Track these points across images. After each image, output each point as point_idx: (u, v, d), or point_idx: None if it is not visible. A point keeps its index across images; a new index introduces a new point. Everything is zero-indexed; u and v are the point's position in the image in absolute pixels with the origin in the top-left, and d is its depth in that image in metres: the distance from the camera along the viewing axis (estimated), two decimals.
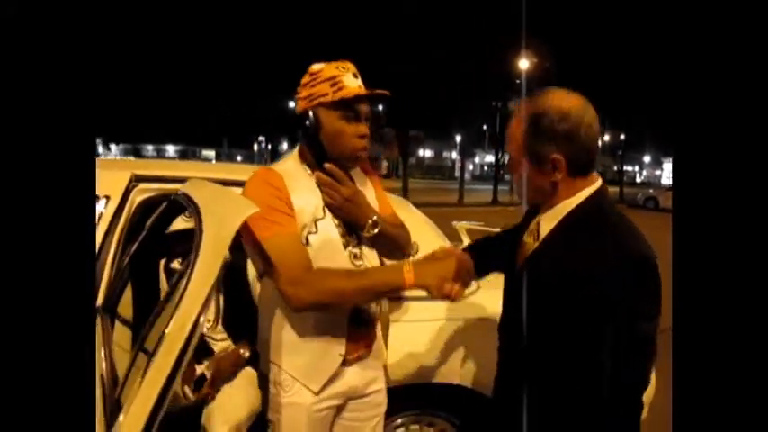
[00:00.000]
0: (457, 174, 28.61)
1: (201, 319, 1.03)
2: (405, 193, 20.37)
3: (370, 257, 1.55)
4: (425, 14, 18.41)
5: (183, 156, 48.08)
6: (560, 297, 1.17)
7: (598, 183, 1.27)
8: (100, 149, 41.51)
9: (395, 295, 1.39)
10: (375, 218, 1.51)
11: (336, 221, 1.50)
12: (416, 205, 2.69)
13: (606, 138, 46.83)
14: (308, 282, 1.37)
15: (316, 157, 1.50)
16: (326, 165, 1.47)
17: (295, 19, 18.83)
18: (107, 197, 2.06)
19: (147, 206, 2.12)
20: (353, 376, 1.55)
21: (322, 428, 1.52)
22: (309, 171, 1.52)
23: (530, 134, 1.22)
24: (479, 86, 20.34)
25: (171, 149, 50.40)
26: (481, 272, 1.54)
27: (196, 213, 1.33)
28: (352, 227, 1.52)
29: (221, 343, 1.97)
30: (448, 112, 22.71)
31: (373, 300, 1.52)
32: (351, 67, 1.50)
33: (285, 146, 39.53)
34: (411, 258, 1.52)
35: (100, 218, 2.02)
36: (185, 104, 34.34)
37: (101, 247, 1.96)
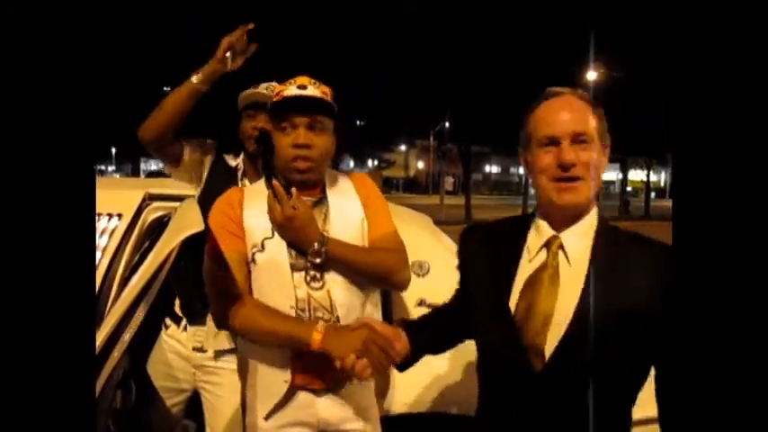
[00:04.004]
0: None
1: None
2: (467, 209, 20.12)
3: (333, 282, 1.42)
4: (488, 27, 18.15)
5: None
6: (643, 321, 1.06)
7: None
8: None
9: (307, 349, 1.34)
10: (317, 245, 1.38)
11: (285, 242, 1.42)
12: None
13: None
14: (229, 303, 1.38)
15: (265, 175, 1.43)
16: (273, 182, 1.39)
17: (397, 38, 18.76)
18: (119, 215, 2.12)
19: (159, 224, 2.16)
20: (324, 409, 1.43)
21: None
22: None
23: (600, 115, 1.12)
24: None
25: None
26: (419, 351, 1.34)
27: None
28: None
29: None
30: (513, 127, 22.05)
31: (283, 346, 1.39)
32: (300, 80, 1.44)
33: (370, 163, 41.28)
34: (328, 322, 1.39)
35: (112, 235, 2.08)
36: None
37: (110, 264, 2.02)
